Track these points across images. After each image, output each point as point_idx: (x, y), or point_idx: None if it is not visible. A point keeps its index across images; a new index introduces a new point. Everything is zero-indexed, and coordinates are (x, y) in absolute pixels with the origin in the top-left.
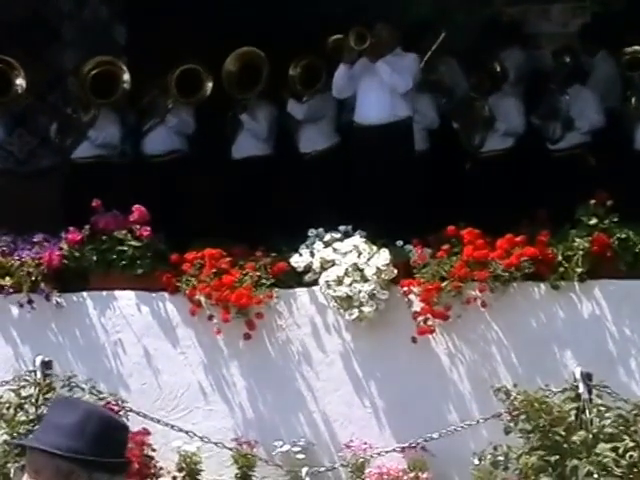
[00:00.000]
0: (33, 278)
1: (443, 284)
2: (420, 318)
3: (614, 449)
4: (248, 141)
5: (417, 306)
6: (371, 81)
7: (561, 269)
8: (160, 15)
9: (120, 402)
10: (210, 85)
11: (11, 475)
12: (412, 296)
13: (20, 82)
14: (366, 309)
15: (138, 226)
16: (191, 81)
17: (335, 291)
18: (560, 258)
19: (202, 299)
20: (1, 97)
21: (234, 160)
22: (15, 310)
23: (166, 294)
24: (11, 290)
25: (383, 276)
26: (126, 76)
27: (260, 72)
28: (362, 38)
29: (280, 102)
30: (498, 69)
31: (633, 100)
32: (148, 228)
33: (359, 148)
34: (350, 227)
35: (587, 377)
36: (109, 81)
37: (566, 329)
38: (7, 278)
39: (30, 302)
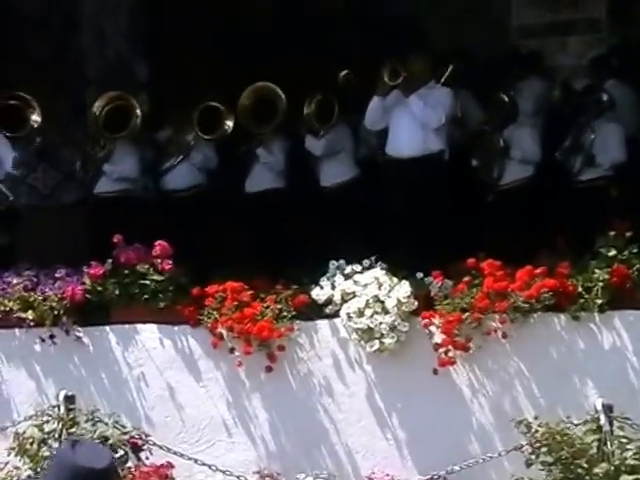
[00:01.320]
0: (55, 312)
1: (464, 316)
2: (441, 350)
3: None
4: (265, 174)
5: (438, 338)
6: (404, 114)
7: (581, 300)
8: (180, 50)
9: (143, 436)
10: (231, 123)
11: None
12: (433, 328)
13: (35, 118)
14: (387, 341)
15: (160, 260)
16: (212, 118)
17: (356, 323)
18: (580, 289)
19: (224, 332)
20: (17, 132)
21: (251, 193)
22: (38, 345)
23: (188, 327)
24: (33, 324)
25: (404, 308)
26: (138, 111)
27: (275, 107)
28: (395, 73)
29: (295, 134)
30: (508, 101)
31: None
32: (170, 262)
33: (389, 180)
34: (371, 259)
35: (608, 409)
36: (123, 116)
37: (587, 360)
38: (30, 312)
39: (52, 337)
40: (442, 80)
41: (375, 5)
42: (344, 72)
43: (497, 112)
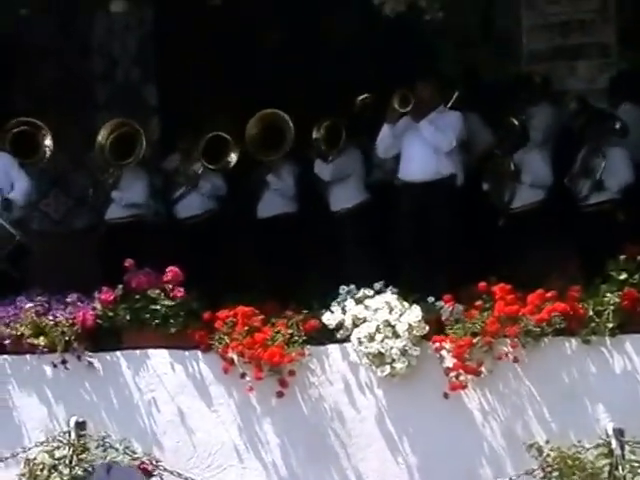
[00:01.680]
0: (67, 338)
1: (475, 340)
2: (452, 374)
3: None
4: (275, 200)
5: (449, 362)
6: (414, 139)
7: (592, 324)
8: (190, 76)
9: (154, 461)
10: (235, 155)
11: None
12: (444, 352)
13: (48, 143)
14: (398, 365)
15: (171, 286)
16: (219, 146)
17: (367, 348)
18: (591, 313)
19: (235, 357)
20: (29, 159)
21: (262, 219)
22: (49, 370)
23: (199, 352)
24: (45, 350)
25: (415, 332)
26: (143, 138)
27: (283, 133)
28: (406, 100)
29: (303, 158)
30: (517, 125)
31: None
32: (181, 289)
33: (401, 204)
34: (382, 284)
35: (619, 433)
36: (130, 142)
37: (598, 384)
38: (41, 338)
39: (64, 362)
40: (449, 104)
41: (385, 30)
42: (363, 96)
43: (507, 136)
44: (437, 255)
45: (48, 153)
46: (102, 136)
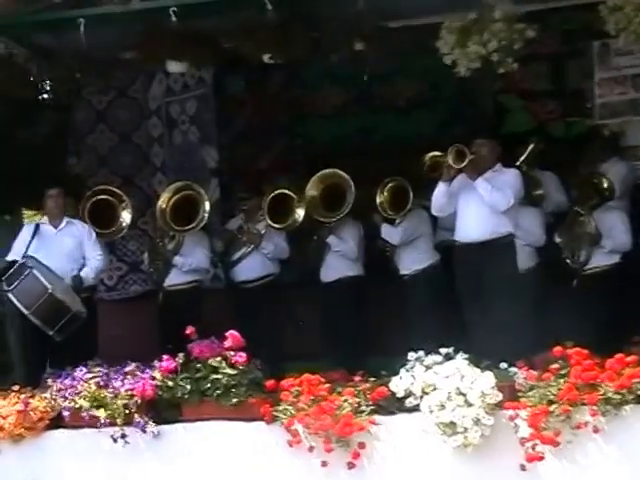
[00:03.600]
0: (127, 411)
1: (551, 408)
2: (528, 444)
3: None
4: (338, 262)
5: (524, 431)
6: (470, 198)
7: None
8: (249, 135)
9: None
10: (302, 212)
11: None
12: (519, 421)
13: (126, 215)
14: (471, 435)
15: (232, 352)
16: (282, 206)
17: (438, 417)
18: None
19: (300, 429)
20: (106, 229)
21: (325, 282)
22: (108, 443)
23: (263, 424)
24: (106, 423)
25: (488, 400)
26: (207, 200)
27: (344, 193)
28: (461, 156)
29: (365, 217)
30: (605, 184)
31: None
32: (243, 354)
33: (460, 266)
34: (452, 349)
35: None
36: (191, 206)
37: None
38: (101, 410)
39: (123, 436)
40: (522, 159)
41: (452, 87)
42: (432, 154)
43: (587, 194)
44: (503, 318)
45: (124, 225)
46: (163, 200)
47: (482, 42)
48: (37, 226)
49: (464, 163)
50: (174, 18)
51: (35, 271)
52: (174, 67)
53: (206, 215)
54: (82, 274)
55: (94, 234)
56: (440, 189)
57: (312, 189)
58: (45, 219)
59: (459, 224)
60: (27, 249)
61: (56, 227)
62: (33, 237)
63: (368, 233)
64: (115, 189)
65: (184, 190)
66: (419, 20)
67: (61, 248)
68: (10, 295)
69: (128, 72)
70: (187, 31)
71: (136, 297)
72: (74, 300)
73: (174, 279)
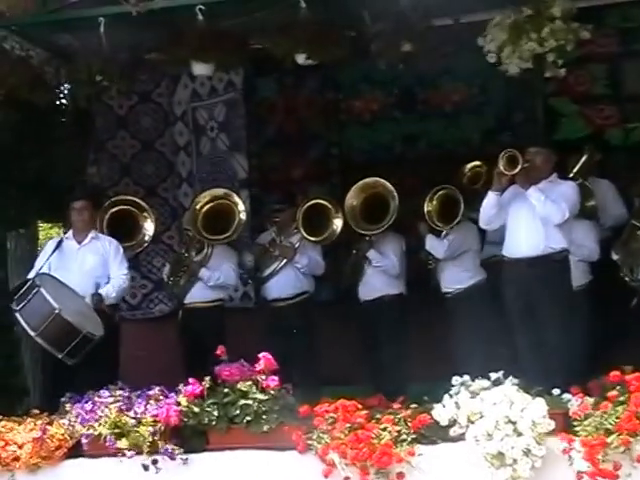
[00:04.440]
0: (150, 439)
1: (609, 439)
2: (585, 478)
3: None
4: (378, 279)
5: (579, 463)
6: (522, 210)
7: None
8: (280, 143)
9: None
10: (340, 223)
11: None
12: (573, 452)
13: (149, 227)
14: (520, 467)
15: (264, 376)
16: (317, 217)
17: (485, 447)
18: None
19: (336, 458)
20: (129, 241)
21: (364, 300)
22: (131, 474)
23: (296, 453)
24: (128, 452)
25: (539, 429)
26: (242, 211)
27: (386, 204)
28: (513, 162)
29: (407, 231)
30: None
31: None
32: (275, 378)
33: (509, 284)
34: (500, 374)
35: None
36: (223, 217)
37: None
38: (123, 440)
39: (146, 468)
40: (575, 169)
41: (493, 88)
42: (472, 164)
43: None
44: (556, 340)
45: (147, 237)
46: (199, 204)
47: (539, 40)
48: (60, 241)
49: (516, 170)
50: (200, 17)
51: (42, 290)
52: (200, 69)
53: (242, 226)
54: (102, 292)
55: (121, 250)
56: (490, 199)
57: (353, 198)
58: (70, 234)
59: (509, 238)
60: (44, 266)
61: (79, 242)
62: (53, 253)
63: (410, 247)
64: (136, 199)
65: (220, 199)
66: (466, 17)
67: (82, 265)
68: (18, 315)
69: (151, 75)
70: (213, 31)
71: (161, 317)
72: (87, 320)
73: (196, 295)
